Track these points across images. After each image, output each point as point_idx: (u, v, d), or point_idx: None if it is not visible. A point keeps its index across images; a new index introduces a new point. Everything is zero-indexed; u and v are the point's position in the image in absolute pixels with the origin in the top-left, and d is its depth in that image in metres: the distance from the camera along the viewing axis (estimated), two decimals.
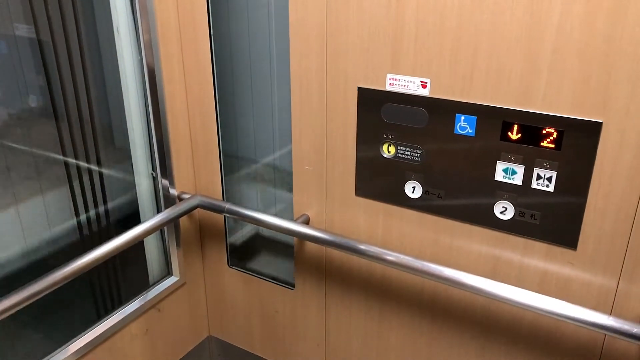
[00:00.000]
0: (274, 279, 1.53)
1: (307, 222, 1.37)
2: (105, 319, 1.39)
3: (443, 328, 1.28)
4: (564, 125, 0.99)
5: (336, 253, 1.37)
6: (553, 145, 1.01)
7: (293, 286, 1.49)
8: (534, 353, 1.18)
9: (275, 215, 1.34)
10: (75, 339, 1.32)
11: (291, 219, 1.36)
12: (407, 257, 1.16)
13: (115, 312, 1.41)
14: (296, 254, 1.45)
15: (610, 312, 1.06)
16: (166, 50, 1.36)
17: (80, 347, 1.31)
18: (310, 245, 1.41)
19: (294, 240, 1.44)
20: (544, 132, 1.01)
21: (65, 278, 1.14)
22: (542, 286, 1.11)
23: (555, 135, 1.00)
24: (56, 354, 1.28)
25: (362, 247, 1.21)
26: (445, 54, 1.05)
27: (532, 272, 1.12)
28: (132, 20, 1.32)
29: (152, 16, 1.29)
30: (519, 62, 0.99)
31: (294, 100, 1.27)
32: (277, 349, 1.62)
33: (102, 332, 1.36)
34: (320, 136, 1.27)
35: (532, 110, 1.01)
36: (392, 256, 1.18)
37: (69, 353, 1.29)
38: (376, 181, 1.23)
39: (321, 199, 1.33)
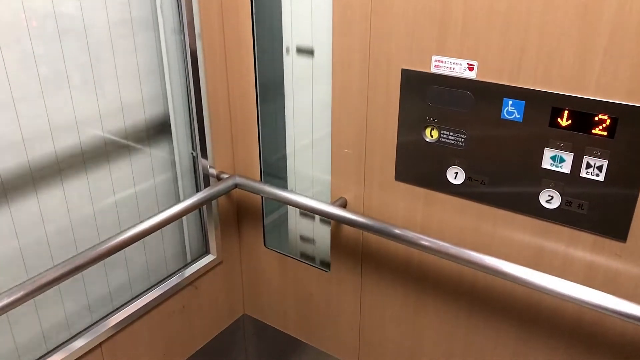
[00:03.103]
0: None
1: (344, 206, 1.36)
2: (143, 294, 1.42)
3: (481, 318, 1.26)
4: (619, 112, 0.94)
5: (373, 237, 1.35)
6: (605, 133, 0.97)
7: (329, 269, 1.49)
8: (575, 347, 1.15)
9: (313, 197, 1.33)
10: (114, 312, 1.36)
11: (328, 201, 1.36)
12: (444, 243, 1.14)
13: (154, 287, 1.44)
14: (332, 237, 1.44)
15: None
16: (208, 30, 1.35)
17: (119, 321, 1.34)
18: (346, 229, 1.40)
19: (330, 223, 1.44)
20: (596, 119, 0.97)
21: (106, 254, 1.16)
22: (588, 278, 1.08)
23: (608, 122, 0.96)
24: (95, 327, 1.32)
25: (399, 231, 1.20)
26: (494, 36, 1.01)
27: (577, 264, 1.08)
28: (175, 0, 1.32)
29: None
30: (572, 45, 0.95)
31: (334, 81, 1.25)
32: (311, 330, 1.62)
33: (141, 307, 1.39)
34: (361, 118, 1.25)
35: (584, 96, 0.97)
36: (428, 242, 1.16)
37: (108, 327, 1.32)
38: (417, 166, 1.21)
39: (359, 183, 1.32)
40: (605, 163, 0.99)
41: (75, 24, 1.17)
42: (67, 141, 1.22)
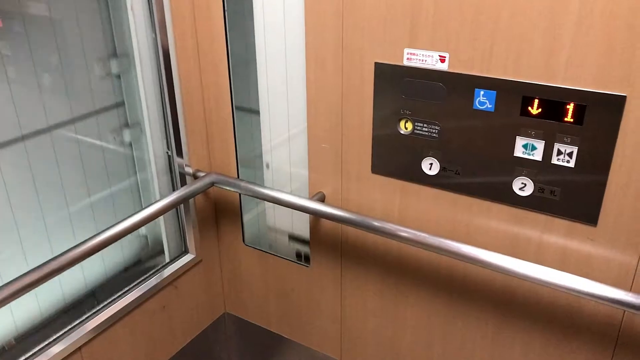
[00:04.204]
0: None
1: (322, 200, 1.37)
2: (123, 295, 1.40)
3: (460, 306, 1.28)
4: (587, 99, 0.97)
5: (352, 231, 1.36)
6: (574, 120, 0.99)
7: (309, 264, 1.49)
8: (552, 330, 1.18)
9: (291, 193, 1.34)
10: (93, 315, 1.34)
11: (306, 196, 1.36)
12: (421, 234, 1.16)
13: (133, 289, 1.43)
14: (312, 232, 1.45)
15: (630, 289, 1.05)
16: (180, 28, 1.34)
17: (99, 324, 1.33)
18: (325, 223, 1.41)
19: (309, 218, 1.44)
20: (565, 106, 0.99)
21: (81, 256, 1.15)
22: (562, 263, 1.10)
23: (577, 109, 0.98)
24: (74, 330, 1.30)
25: (377, 223, 1.21)
26: (465, 28, 1.03)
27: (552, 249, 1.11)
28: None
29: None
30: (540, 35, 0.97)
31: (308, 76, 1.26)
32: (293, 326, 1.63)
33: (121, 309, 1.37)
34: (336, 113, 1.26)
35: (553, 85, 0.99)
36: (406, 232, 1.17)
37: (88, 330, 1.31)
38: (393, 158, 1.22)
39: (337, 177, 1.33)
40: (575, 149, 1.01)
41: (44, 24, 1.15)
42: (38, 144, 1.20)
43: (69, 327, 1.31)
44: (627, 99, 0.93)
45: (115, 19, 1.31)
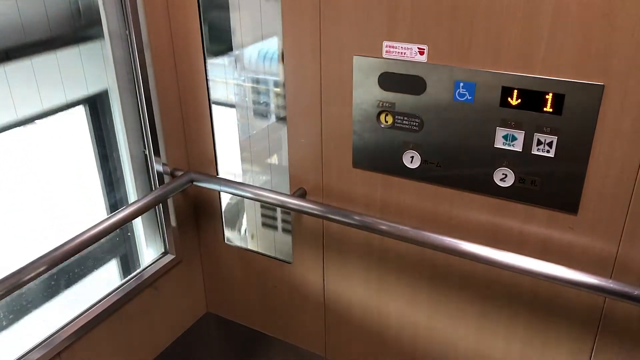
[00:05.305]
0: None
1: (303, 196, 1.36)
2: (102, 299, 1.38)
3: (443, 297, 1.29)
4: (565, 89, 0.97)
5: (334, 226, 1.36)
6: (554, 110, 0.99)
7: (291, 260, 1.48)
8: (535, 319, 1.19)
9: (271, 189, 1.32)
10: (73, 320, 1.31)
11: (287, 193, 1.35)
12: (402, 227, 1.16)
13: (112, 292, 1.40)
14: (293, 228, 1.43)
15: (610, 276, 1.06)
16: (153, 22, 1.31)
17: (78, 329, 1.30)
18: (307, 219, 1.39)
19: (291, 214, 1.43)
20: (544, 96, 0.99)
21: (60, 259, 1.12)
22: (544, 252, 1.11)
23: (555, 99, 0.98)
24: (55, 336, 1.27)
25: (358, 217, 1.21)
26: (443, 19, 1.02)
27: (533, 239, 1.11)
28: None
29: None
30: (518, 25, 0.97)
31: (287, 70, 1.24)
32: (277, 323, 1.62)
33: (100, 313, 1.34)
34: (316, 107, 1.24)
35: (532, 75, 0.99)
36: (387, 226, 1.17)
37: (66, 335, 1.28)
38: (373, 152, 1.21)
39: (317, 172, 1.32)
40: (555, 139, 1.01)
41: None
42: None
43: (48, 332, 1.28)
44: (605, 88, 0.94)
45: None
